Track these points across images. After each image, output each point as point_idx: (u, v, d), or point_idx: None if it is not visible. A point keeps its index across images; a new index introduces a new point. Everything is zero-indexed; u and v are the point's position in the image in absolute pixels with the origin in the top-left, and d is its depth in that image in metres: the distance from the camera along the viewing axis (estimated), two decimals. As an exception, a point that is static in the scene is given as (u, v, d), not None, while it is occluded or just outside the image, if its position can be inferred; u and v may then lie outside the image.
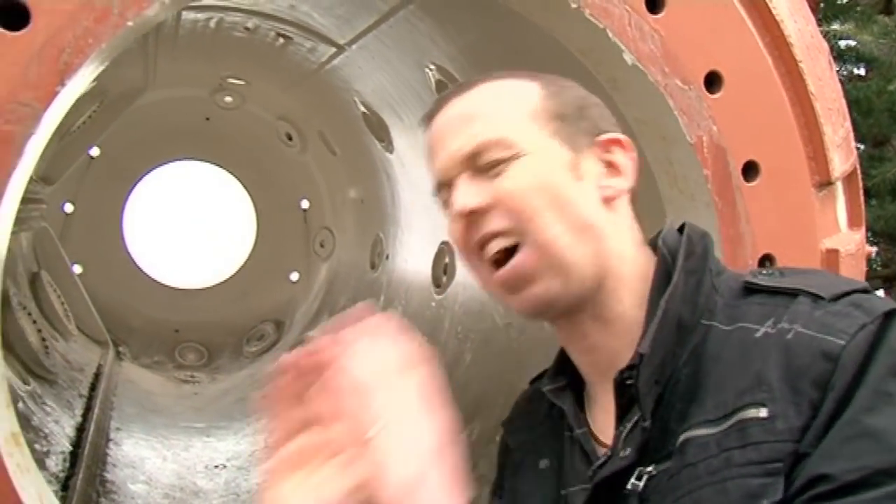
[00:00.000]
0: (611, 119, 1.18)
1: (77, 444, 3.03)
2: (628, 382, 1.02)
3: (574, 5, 1.57)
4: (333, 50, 3.64)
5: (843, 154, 1.63)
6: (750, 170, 1.62)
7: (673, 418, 0.98)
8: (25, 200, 1.62)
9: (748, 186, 1.56)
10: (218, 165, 5.56)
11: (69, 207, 5.06)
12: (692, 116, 1.60)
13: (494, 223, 1.05)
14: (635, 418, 1.01)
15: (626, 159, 1.11)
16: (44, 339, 3.37)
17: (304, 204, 5.81)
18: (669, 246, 1.08)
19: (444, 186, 1.13)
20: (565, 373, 1.16)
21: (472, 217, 1.06)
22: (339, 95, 4.31)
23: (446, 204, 1.13)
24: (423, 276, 4.35)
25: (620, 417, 1.04)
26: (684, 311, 1.01)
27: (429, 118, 1.16)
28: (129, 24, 1.40)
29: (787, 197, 1.59)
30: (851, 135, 1.67)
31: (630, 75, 1.57)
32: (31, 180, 1.59)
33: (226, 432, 4.25)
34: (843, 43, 6.36)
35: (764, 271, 1.09)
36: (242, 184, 5.65)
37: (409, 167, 4.39)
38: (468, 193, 1.06)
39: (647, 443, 0.98)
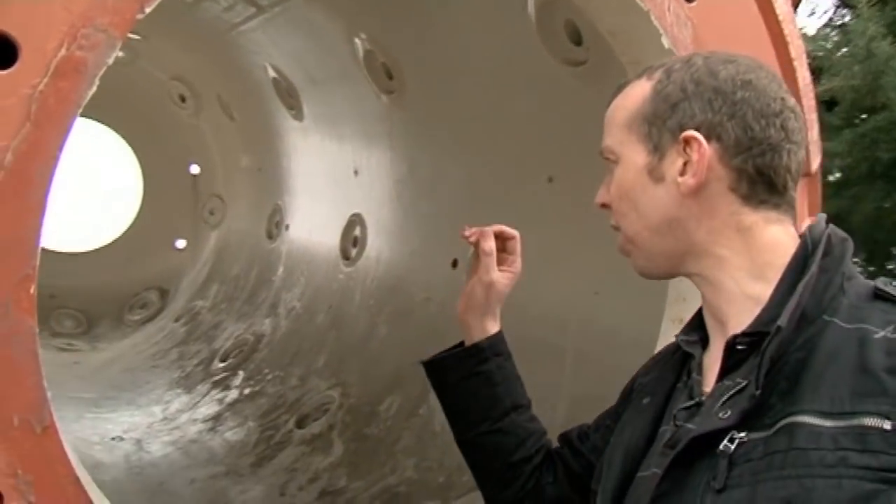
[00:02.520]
0: (727, 93, 1.16)
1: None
2: (739, 347, 1.11)
3: None
4: (253, 10, 3.52)
5: (816, 149, 1.77)
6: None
7: (775, 394, 1.04)
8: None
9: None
10: (104, 124, 5.26)
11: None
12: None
13: (612, 218, 1.28)
14: (742, 384, 1.08)
15: (697, 154, 1.15)
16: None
17: (195, 169, 5.60)
18: (813, 238, 1.15)
19: None
20: (698, 329, 1.26)
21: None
22: (247, 59, 4.17)
23: None
24: (328, 248, 4.29)
25: (721, 375, 1.13)
26: (810, 302, 1.08)
27: None
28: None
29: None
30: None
31: (659, 57, 1.59)
32: None
33: (116, 403, 4.07)
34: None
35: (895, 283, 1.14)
36: (129, 145, 5.38)
37: (320, 137, 4.30)
38: (600, 191, 1.29)
39: (750, 411, 1.04)
